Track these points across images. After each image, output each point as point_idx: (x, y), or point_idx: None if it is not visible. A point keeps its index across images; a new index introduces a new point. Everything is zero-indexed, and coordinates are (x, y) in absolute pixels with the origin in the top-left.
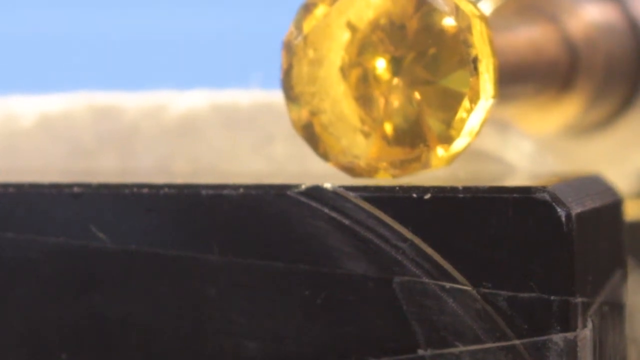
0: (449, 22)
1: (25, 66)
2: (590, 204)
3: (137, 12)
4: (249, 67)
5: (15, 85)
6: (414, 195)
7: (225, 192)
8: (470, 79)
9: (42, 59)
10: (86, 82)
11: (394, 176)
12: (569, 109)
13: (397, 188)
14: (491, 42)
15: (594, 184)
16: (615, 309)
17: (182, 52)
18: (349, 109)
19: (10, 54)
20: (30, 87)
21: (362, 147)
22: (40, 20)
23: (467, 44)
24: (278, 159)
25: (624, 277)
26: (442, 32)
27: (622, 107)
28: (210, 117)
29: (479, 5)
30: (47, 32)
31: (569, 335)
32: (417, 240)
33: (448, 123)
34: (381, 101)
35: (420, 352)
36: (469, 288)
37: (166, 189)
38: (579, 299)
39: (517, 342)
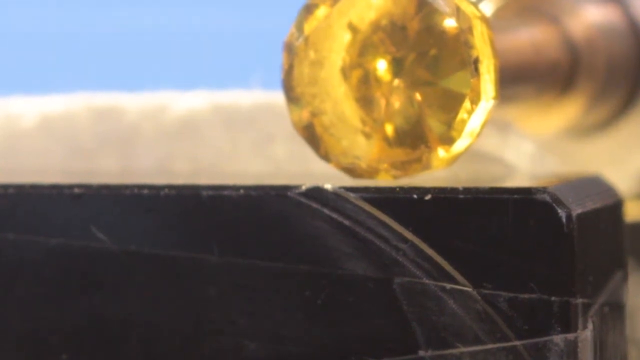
0: (450, 23)
1: (26, 67)
2: (590, 205)
3: (137, 13)
4: (249, 68)
5: (15, 86)
6: (415, 196)
7: (225, 192)
8: (471, 80)
9: (42, 59)
10: (86, 82)
11: (395, 177)
12: (569, 110)
13: (398, 189)
14: (492, 43)
15: (595, 184)
16: (616, 310)
17: (183, 52)
18: (350, 110)
19: (11, 55)
20: (31, 87)
21: (363, 148)
22: (41, 21)
23: (468, 45)
24: (278, 160)
25: (625, 278)
26: (443, 33)
27: (623, 108)
28: (211, 118)
29: (480, 6)
30: (48, 32)
31: (570, 336)
32: (418, 241)
33: (449, 124)
34: (382, 102)
35: (421, 352)
36: (469, 289)
37: (166, 190)
38: (579, 300)
39: (517, 343)
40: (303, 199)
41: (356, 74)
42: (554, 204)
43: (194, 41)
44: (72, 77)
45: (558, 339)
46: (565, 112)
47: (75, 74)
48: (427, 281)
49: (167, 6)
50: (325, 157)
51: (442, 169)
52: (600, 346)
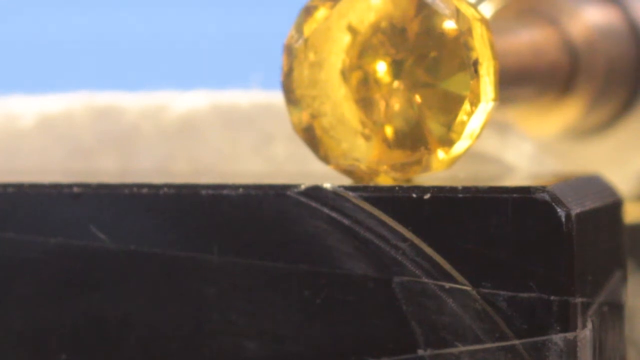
0: (449, 25)
1: (26, 66)
2: (590, 204)
3: (137, 13)
4: (249, 68)
5: (15, 85)
6: (414, 195)
7: (225, 192)
8: (471, 82)
9: (42, 59)
10: (86, 82)
11: (394, 179)
12: (569, 112)
13: (397, 188)
14: (492, 45)
15: (594, 184)
16: (615, 309)
17: (183, 52)
18: (350, 112)
19: (11, 55)
20: (30, 87)
21: (363, 150)
22: (41, 20)
23: (468, 47)
24: (278, 159)
25: (624, 277)
26: (442, 35)
27: (623, 110)
28: (210, 118)
29: (480, 8)
30: (48, 32)
31: (569, 335)
32: (417, 240)
33: (449, 126)
34: (382, 104)
35: (420, 352)
36: (468, 288)
37: (166, 189)
38: (578, 299)
39: (516, 342)
40: (302, 198)
41: (356, 76)
42: (553, 203)
43: (194, 41)
44: (72, 76)
45: (557, 338)
46: (565, 114)
47: (75, 74)
48: (426, 280)
49: (167, 6)
50: (325, 159)
51: (442, 170)
52: (599, 346)
